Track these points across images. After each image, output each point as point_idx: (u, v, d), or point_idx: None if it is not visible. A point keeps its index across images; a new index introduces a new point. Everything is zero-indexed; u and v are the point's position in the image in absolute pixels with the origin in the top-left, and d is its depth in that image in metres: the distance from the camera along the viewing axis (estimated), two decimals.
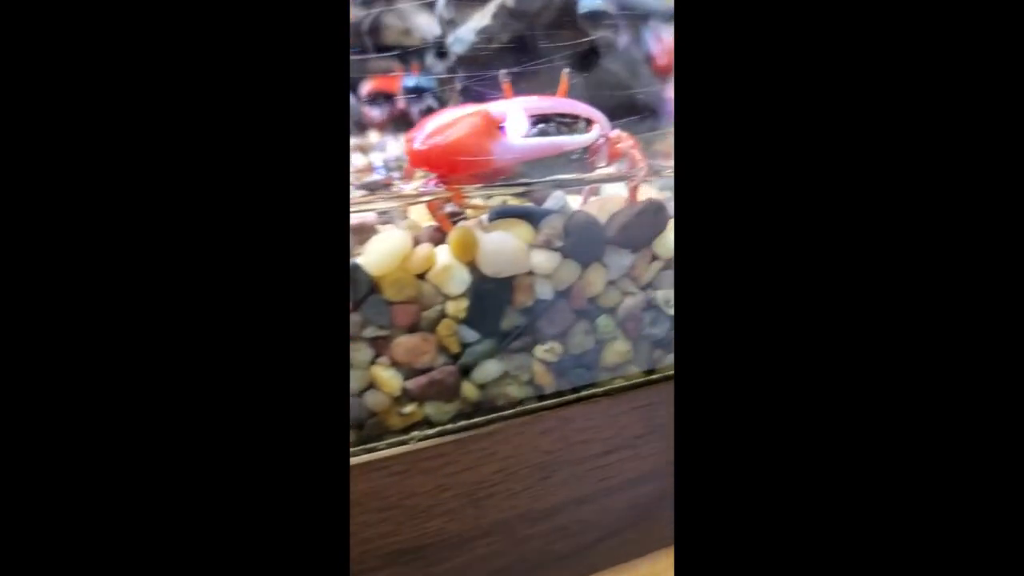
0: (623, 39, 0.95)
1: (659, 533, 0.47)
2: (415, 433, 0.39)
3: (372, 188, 0.47)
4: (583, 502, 0.44)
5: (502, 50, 0.52)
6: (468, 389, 0.41)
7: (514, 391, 0.42)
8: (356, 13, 0.87)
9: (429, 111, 0.69)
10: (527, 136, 0.39)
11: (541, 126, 0.40)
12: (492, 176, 0.40)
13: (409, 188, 0.42)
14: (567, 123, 0.40)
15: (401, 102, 0.75)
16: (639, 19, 1.07)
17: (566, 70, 0.41)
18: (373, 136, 0.74)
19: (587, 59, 0.68)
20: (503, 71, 0.40)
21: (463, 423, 0.41)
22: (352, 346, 0.37)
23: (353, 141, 0.63)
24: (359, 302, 0.37)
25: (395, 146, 0.62)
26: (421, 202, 0.41)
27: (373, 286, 0.37)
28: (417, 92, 0.74)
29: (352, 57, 0.88)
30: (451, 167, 0.38)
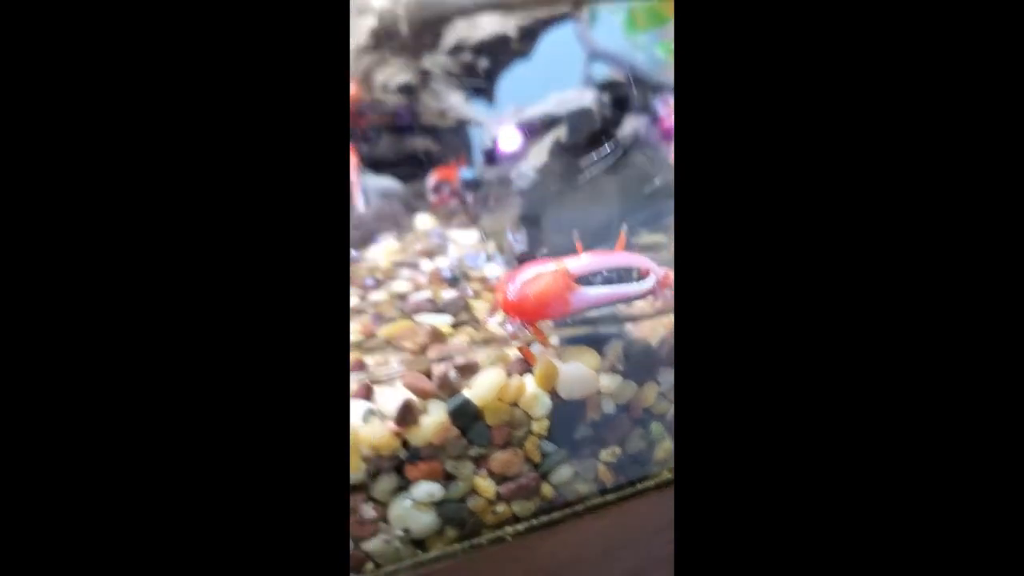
0: (640, 121, 1.04)
1: None
2: (508, 528, 0.48)
3: (454, 312, 0.56)
4: (640, 575, 0.53)
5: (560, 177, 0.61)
6: (545, 489, 0.50)
7: (581, 488, 0.51)
8: (397, 99, 0.96)
9: (484, 202, 0.78)
10: (594, 286, 0.48)
11: (605, 274, 0.49)
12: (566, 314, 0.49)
13: (493, 322, 0.51)
14: (626, 270, 0.49)
15: (457, 192, 0.84)
16: (651, 89, 1.16)
17: (624, 227, 0.50)
18: (425, 220, 0.83)
19: (620, 160, 0.76)
20: (575, 231, 0.49)
21: (544, 518, 0.49)
22: (458, 463, 0.46)
23: (418, 246, 0.72)
24: (465, 428, 0.46)
25: (456, 248, 0.71)
26: (513, 345, 0.50)
27: (477, 414, 0.46)
28: (474, 185, 0.83)
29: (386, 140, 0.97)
30: (537, 315, 0.47)
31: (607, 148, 0.57)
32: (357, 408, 0.44)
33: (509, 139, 1.02)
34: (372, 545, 0.45)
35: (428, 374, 0.46)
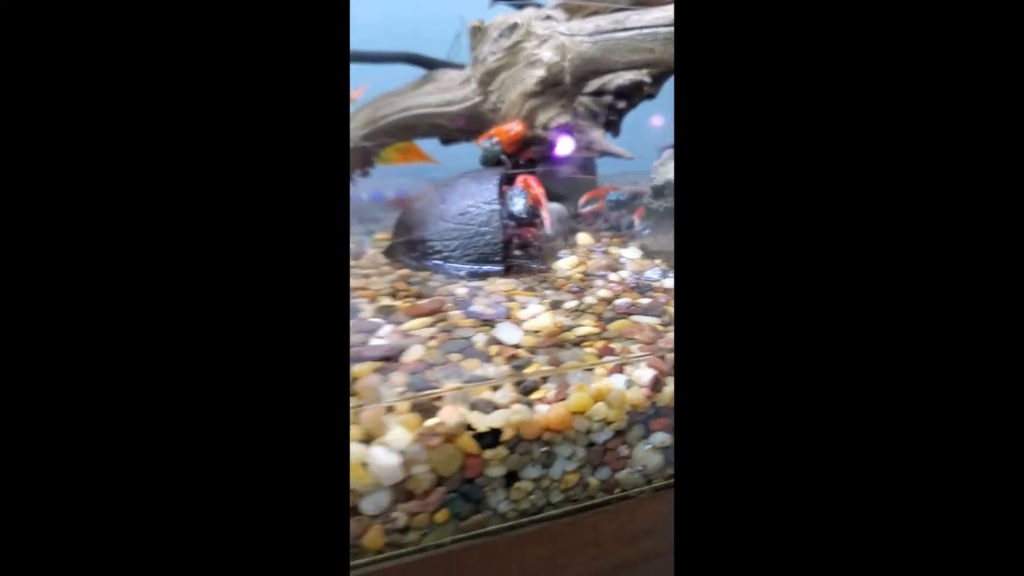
0: None
1: None
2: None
3: (658, 314, 0.75)
4: None
5: None
6: None
7: None
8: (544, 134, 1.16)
9: (630, 225, 0.98)
10: None
11: None
12: None
13: None
14: None
15: (604, 209, 1.04)
16: None
17: None
18: (584, 238, 1.03)
19: None
20: None
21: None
22: None
23: (593, 261, 0.92)
24: None
25: (631, 263, 0.91)
26: None
27: None
28: (618, 205, 1.04)
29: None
30: None
31: None
32: (618, 379, 0.64)
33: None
34: (620, 476, 0.65)
35: (662, 358, 0.66)
